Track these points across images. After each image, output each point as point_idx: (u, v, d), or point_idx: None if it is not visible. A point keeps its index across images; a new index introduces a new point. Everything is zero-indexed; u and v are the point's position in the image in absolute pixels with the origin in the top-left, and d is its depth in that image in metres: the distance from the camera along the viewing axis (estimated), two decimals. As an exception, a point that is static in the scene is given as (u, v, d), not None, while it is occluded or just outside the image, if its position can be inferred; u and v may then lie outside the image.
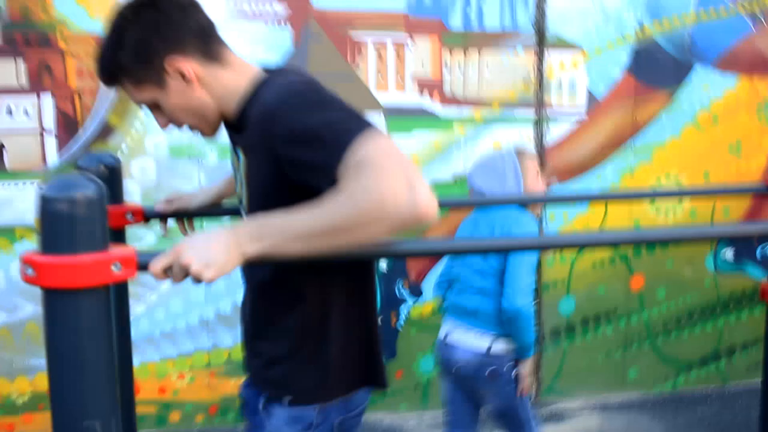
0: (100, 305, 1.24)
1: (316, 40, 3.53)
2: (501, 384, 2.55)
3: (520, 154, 2.66)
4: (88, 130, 3.45)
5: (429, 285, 3.77)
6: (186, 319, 3.63)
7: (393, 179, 1.23)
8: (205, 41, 1.55)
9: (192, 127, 1.61)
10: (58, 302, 1.21)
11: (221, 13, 3.45)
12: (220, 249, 1.26)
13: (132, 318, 3.54)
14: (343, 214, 1.24)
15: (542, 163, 3.64)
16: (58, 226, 1.20)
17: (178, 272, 1.25)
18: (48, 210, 1.19)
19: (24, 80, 3.39)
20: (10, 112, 3.41)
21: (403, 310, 3.79)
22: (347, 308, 1.60)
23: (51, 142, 3.45)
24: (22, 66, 3.38)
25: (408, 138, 3.65)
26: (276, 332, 1.62)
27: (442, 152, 3.70)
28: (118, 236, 1.90)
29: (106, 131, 3.46)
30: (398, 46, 3.63)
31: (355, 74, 3.59)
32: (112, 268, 1.22)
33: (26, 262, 1.20)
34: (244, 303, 1.72)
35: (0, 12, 3.32)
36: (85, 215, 1.20)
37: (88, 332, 1.23)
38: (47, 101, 3.42)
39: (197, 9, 1.55)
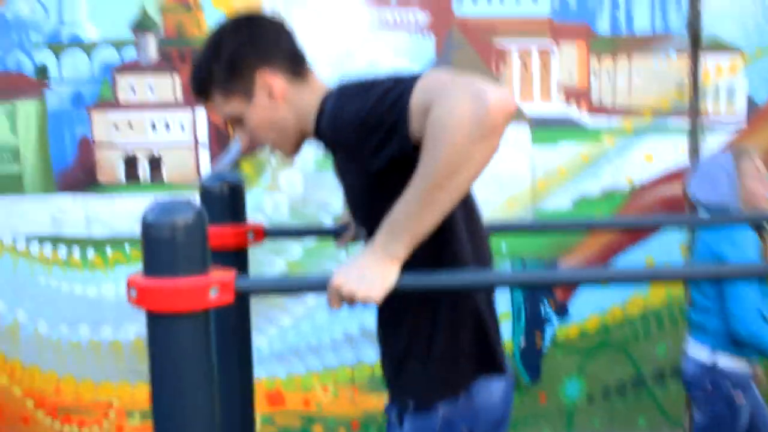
0: (199, 328, 1.25)
1: (459, 49, 3.47)
2: (711, 401, 2.48)
3: (738, 153, 2.49)
4: (238, 143, 3.57)
5: (575, 305, 3.61)
6: (330, 332, 3.67)
7: (454, 99, 1.25)
8: (294, 61, 1.63)
9: (272, 146, 1.67)
10: (157, 324, 1.25)
11: (365, 24, 3.47)
12: (373, 266, 1.33)
13: (278, 330, 3.65)
14: (439, 158, 1.26)
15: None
16: (158, 250, 1.23)
17: (348, 301, 1.34)
18: (149, 234, 1.23)
19: (179, 95, 3.55)
20: (167, 126, 3.58)
21: (549, 330, 3.65)
22: (455, 298, 1.59)
23: (204, 155, 3.59)
24: (177, 81, 3.54)
25: (554, 149, 3.51)
26: (395, 336, 1.63)
27: (590, 164, 3.54)
28: (241, 256, 1.92)
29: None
30: (543, 53, 3.50)
31: (499, 83, 3.50)
32: (210, 292, 1.24)
33: (130, 284, 1.24)
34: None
35: (157, 29, 3.50)
36: (183, 240, 1.22)
37: (186, 355, 1.25)
38: (201, 115, 3.56)
39: (290, 32, 1.66)
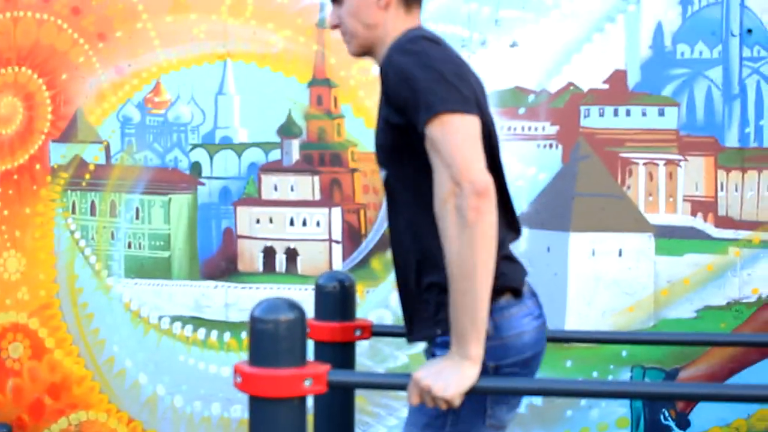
0: (294, 413, 1.42)
1: (586, 159, 3.57)
2: None
3: None
4: (370, 241, 3.76)
5: (697, 415, 3.55)
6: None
7: (443, 187, 1.46)
8: None
9: (348, 35, 1.81)
10: (258, 407, 1.42)
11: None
12: (450, 366, 1.47)
13: (398, 421, 3.72)
14: (451, 260, 1.44)
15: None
16: (262, 342, 1.42)
17: (428, 399, 1.46)
18: (256, 328, 1.42)
19: (317, 194, 3.80)
20: (304, 222, 3.83)
21: (669, 440, 3.59)
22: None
23: (337, 251, 3.80)
24: (316, 182, 3.80)
25: (679, 261, 3.51)
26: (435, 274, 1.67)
27: (716, 276, 3.51)
28: (348, 350, 2.08)
29: (384, 243, 3.74)
30: (669, 165, 3.55)
31: (624, 195, 3.57)
32: (305, 383, 1.41)
33: (236, 370, 1.42)
34: (399, 285, 1.80)
35: (300, 134, 3.78)
36: (285, 335, 1.41)
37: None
38: (336, 213, 3.79)
39: None
